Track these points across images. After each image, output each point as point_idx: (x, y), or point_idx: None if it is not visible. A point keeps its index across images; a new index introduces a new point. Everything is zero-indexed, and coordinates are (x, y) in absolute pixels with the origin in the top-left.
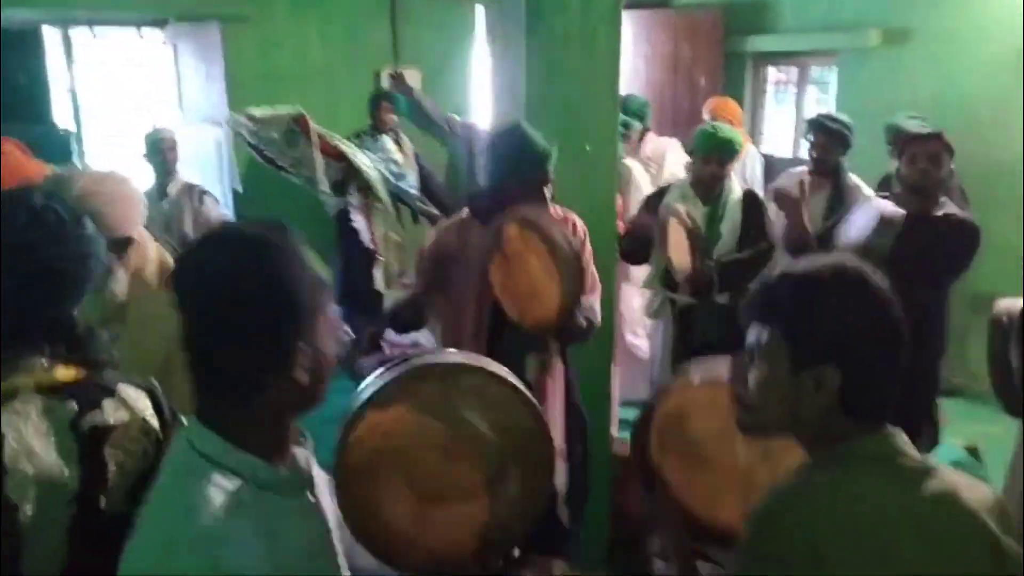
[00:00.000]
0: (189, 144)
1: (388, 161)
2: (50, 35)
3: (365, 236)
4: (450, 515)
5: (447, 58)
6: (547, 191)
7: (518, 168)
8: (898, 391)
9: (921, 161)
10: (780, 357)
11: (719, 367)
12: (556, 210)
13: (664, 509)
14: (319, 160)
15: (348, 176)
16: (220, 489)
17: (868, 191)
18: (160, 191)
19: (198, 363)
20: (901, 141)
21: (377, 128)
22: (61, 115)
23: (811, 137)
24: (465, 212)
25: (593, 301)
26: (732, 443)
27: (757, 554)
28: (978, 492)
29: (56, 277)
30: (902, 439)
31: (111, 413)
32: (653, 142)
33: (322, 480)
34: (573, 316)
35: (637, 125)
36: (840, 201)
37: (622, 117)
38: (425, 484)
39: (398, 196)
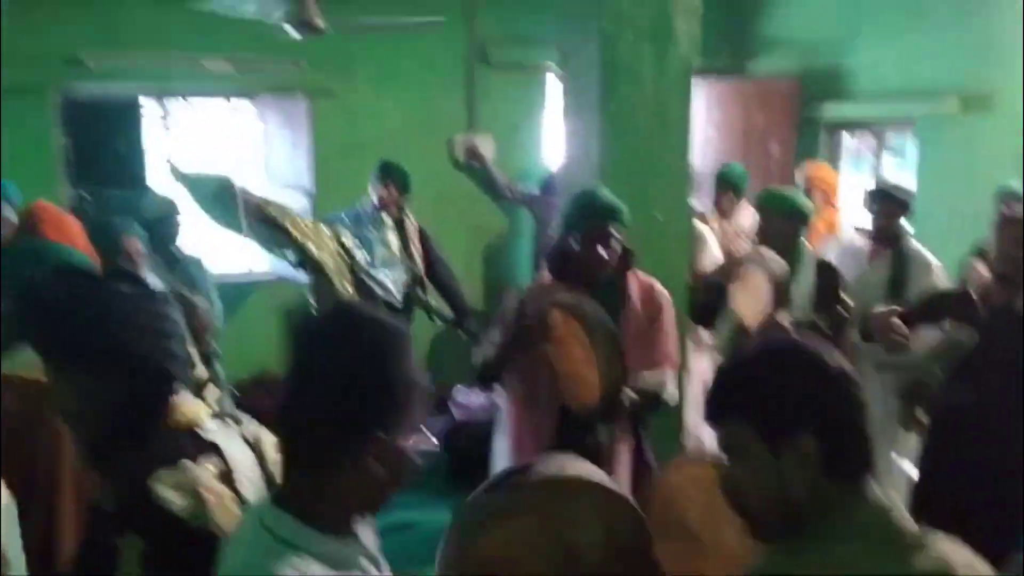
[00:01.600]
0: None
1: (375, 243)
2: (148, 105)
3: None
4: None
5: (520, 127)
6: (626, 256)
7: (581, 222)
8: (874, 444)
9: (1016, 248)
10: (756, 447)
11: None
12: (638, 276)
13: None
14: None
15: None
16: (298, 573)
17: (933, 260)
18: None
19: (289, 431)
20: (999, 219)
21: (383, 204)
22: (157, 180)
23: (871, 206)
24: (545, 275)
25: (665, 373)
26: (723, 523)
27: None
28: (974, 567)
29: None
30: (890, 500)
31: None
32: (748, 214)
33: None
34: (614, 400)
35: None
36: (902, 268)
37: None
38: None
39: (366, 283)
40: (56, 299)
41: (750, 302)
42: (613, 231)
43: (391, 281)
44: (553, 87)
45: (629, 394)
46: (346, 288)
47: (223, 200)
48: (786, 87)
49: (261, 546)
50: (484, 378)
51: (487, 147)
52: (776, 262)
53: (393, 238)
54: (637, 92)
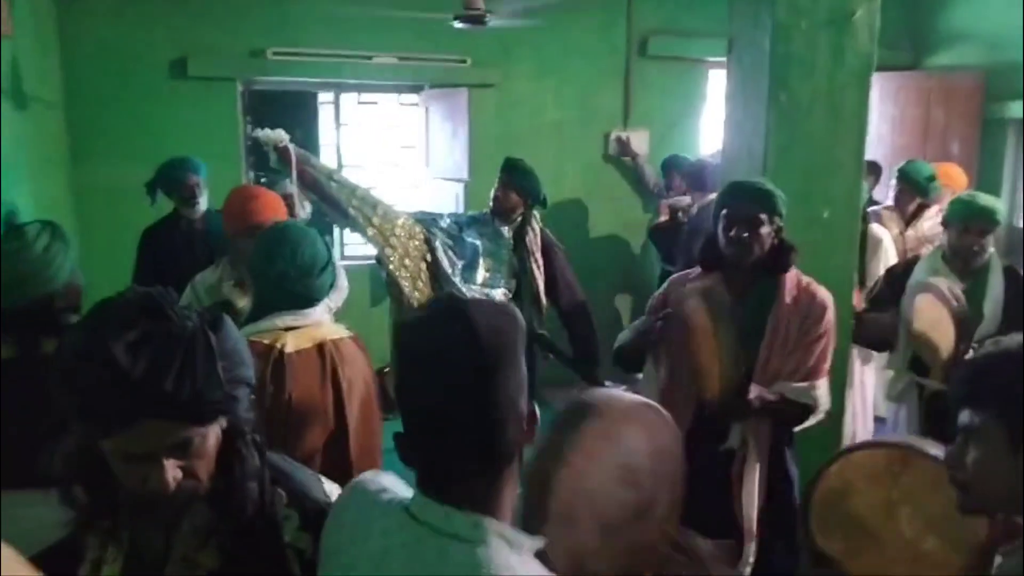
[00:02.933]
0: (432, 196)
1: (480, 253)
2: (324, 99)
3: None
4: None
5: (676, 121)
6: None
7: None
8: None
9: None
10: (997, 438)
11: None
12: (799, 277)
13: None
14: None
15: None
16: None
17: None
18: None
19: (431, 433)
20: None
21: (497, 209)
22: None
23: None
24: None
25: (814, 386)
26: (895, 515)
27: None
28: None
29: None
30: None
31: None
32: (932, 220)
33: None
34: (735, 397)
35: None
36: None
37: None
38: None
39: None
40: None
41: (932, 338)
42: (761, 217)
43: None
44: (714, 80)
45: (763, 395)
46: (417, 297)
47: (280, 160)
48: (969, 83)
49: (428, 543)
50: (623, 364)
51: (641, 142)
52: (955, 295)
53: (505, 250)
54: (810, 85)
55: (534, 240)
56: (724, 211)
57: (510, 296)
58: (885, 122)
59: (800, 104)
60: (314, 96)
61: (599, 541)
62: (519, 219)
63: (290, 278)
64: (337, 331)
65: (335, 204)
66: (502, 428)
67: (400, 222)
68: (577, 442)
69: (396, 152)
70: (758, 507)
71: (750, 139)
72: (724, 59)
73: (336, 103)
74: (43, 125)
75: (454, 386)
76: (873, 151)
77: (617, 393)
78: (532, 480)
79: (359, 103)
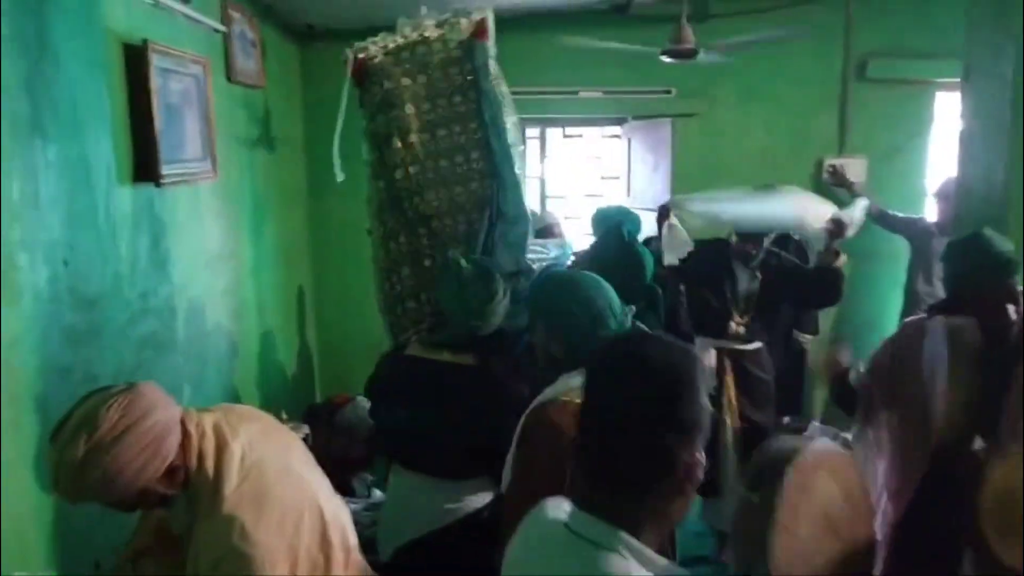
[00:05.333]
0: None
1: None
2: (530, 134)
3: None
4: None
5: (897, 147)
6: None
7: (977, 280)
8: None
9: None
10: None
11: None
12: None
13: None
14: None
15: None
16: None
17: None
18: None
19: (601, 456)
20: None
21: None
22: (529, 200)
23: None
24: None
25: None
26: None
27: None
28: None
29: None
30: None
31: None
32: None
33: None
34: (958, 439)
35: None
36: None
37: None
38: None
39: None
40: None
41: None
42: (1014, 286)
43: None
44: (942, 103)
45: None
46: None
47: None
48: None
49: (581, 554)
50: (843, 402)
51: (857, 170)
52: None
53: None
54: None
55: None
56: (976, 286)
57: None
58: None
59: None
60: (521, 132)
61: None
62: None
63: (609, 328)
64: None
65: None
66: (662, 452)
67: None
68: (780, 498)
69: (597, 183)
70: None
71: (988, 170)
72: (953, 80)
73: (542, 137)
74: (288, 164)
75: (623, 406)
76: None
77: (798, 441)
78: (746, 539)
79: (564, 136)
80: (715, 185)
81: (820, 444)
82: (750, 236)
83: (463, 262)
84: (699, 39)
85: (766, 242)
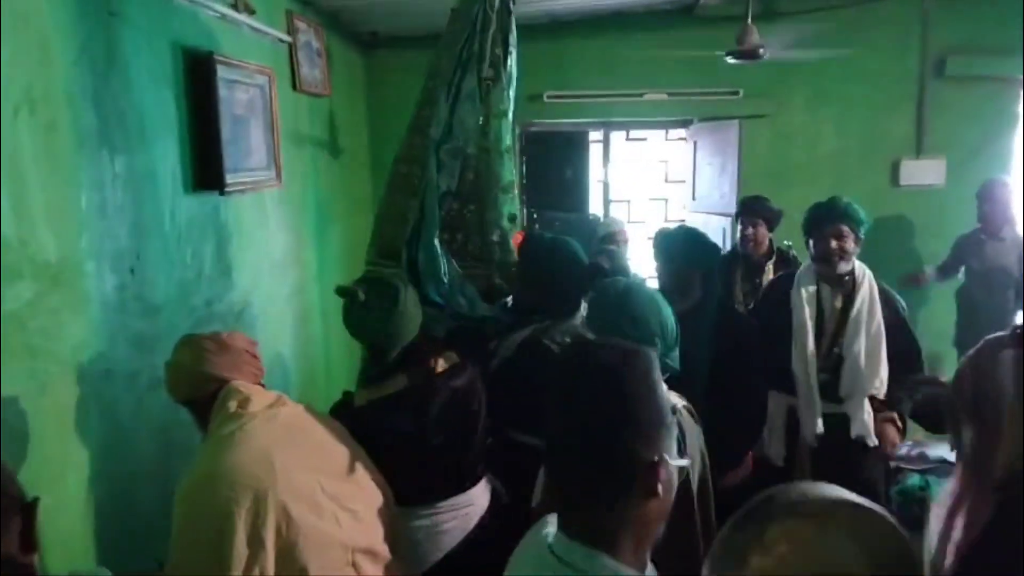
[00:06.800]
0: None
1: None
2: (594, 138)
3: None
4: None
5: (980, 147)
6: None
7: None
8: None
9: None
10: None
11: None
12: None
13: None
14: None
15: None
16: None
17: None
18: None
19: (569, 464)
20: None
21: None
22: (592, 204)
23: None
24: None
25: None
26: None
27: None
28: None
29: None
30: None
31: None
32: None
33: None
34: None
35: None
36: None
37: None
38: None
39: None
40: None
41: None
42: None
43: None
44: None
45: None
46: None
47: None
48: None
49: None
50: (925, 421)
51: (936, 171)
52: None
53: None
54: None
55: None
56: None
57: None
58: None
59: None
60: (585, 135)
61: None
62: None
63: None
64: None
65: None
66: (621, 456)
67: None
68: (758, 542)
69: (662, 187)
70: None
71: None
72: None
73: (605, 141)
74: (353, 170)
75: (575, 416)
76: None
77: (820, 487)
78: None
79: (627, 139)
80: (784, 189)
81: (853, 499)
82: None
83: (359, 293)
84: (765, 38)
85: None
